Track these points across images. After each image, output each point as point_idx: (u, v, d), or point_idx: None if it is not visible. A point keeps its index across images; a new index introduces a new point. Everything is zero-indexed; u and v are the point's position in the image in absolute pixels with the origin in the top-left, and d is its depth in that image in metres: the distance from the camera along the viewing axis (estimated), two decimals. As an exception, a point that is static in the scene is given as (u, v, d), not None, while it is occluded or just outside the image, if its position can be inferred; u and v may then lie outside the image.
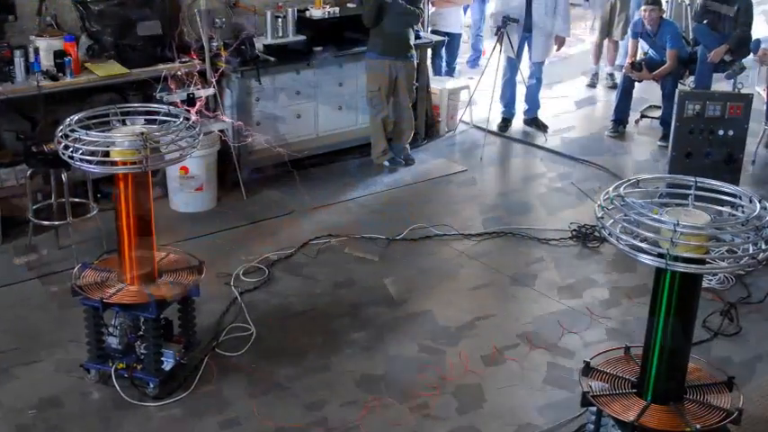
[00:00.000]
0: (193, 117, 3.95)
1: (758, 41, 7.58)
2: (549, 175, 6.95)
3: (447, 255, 5.46)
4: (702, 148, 5.47)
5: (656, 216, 3.01)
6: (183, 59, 6.02)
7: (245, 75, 6.20)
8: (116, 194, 3.86)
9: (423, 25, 7.45)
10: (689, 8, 8.88)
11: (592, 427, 3.40)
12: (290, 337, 4.50)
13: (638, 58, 7.67)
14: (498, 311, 4.82)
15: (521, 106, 7.91)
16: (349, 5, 7.02)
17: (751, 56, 7.66)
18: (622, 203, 3.11)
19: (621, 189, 3.18)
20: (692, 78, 7.66)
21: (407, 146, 6.94)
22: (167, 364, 4.01)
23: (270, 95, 6.44)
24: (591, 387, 3.35)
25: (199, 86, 5.82)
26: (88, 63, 5.80)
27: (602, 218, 3.13)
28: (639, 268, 3.99)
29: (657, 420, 3.17)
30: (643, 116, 8.04)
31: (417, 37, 6.93)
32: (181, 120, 3.89)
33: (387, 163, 6.83)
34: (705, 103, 5.40)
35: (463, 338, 4.52)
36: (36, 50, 5.58)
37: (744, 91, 5.90)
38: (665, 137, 7.33)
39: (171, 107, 4.11)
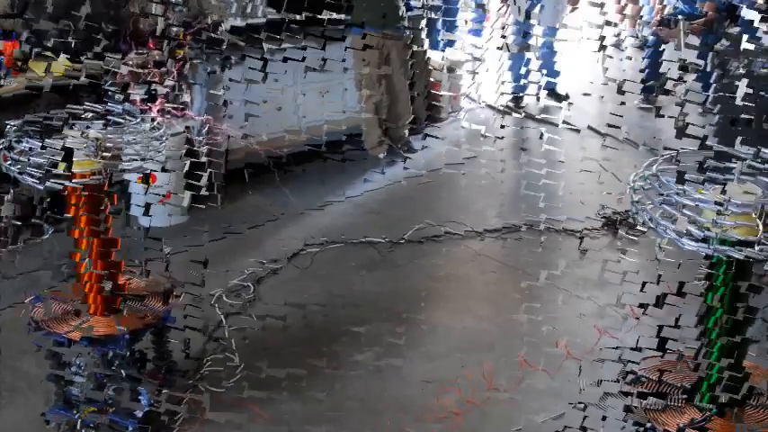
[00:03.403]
0: (154, 115, 3.94)
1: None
2: (572, 154, 6.94)
3: (460, 256, 5.47)
4: (750, 112, 5.47)
5: (700, 195, 3.00)
6: (139, 50, 6.02)
7: (211, 62, 6.20)
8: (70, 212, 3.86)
9: (415, -9, 7.46)
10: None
11: (642, 444, 3.40)
12: (285, 364, 4.49)
13: (666, 13, 7.68)
14: (524, 317, 4.82)
15: (534, 77, 7.92)
16: (327, -26, 7.02)
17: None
18: (660, 183, 3.11)
19: (658, 166, 3.18)
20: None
21: (406, 132, 6.94)
22: (144, 405, 4.00)
23: (242, 85, 6.43)
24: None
25: (158, 80, 5.82)
26: (27, 61, 5.80)
27: (636, 201, 3.12)
28: (684, 257, 3.97)
29: (717, 432, 3.17)
30: (679, 79, 8.03)
31: (409, 7, 6.93)
32: (139, 119, 3.89)
33: (383, 154, 6.83)
34: (751, 60, 5.40)
35: (485, 351, 4.52)
36: (-37, 52, 5.59)
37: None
38: (705, 102, 7.32)
39: (127, 105, 4.11)
